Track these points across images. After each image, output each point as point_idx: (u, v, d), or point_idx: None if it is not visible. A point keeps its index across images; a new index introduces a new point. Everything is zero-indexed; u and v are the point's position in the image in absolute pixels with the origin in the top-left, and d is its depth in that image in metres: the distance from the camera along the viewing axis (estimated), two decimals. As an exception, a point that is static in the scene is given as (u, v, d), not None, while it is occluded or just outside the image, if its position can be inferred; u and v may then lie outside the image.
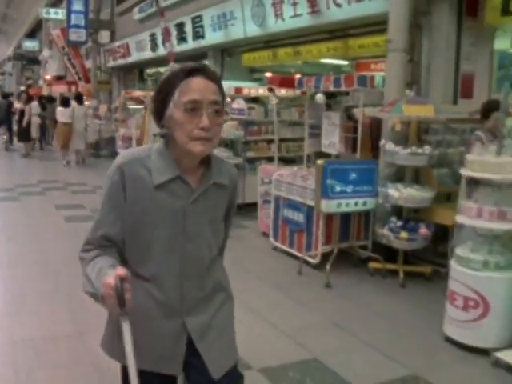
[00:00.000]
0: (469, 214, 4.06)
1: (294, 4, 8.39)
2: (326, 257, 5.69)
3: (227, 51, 12.36)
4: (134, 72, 19.72)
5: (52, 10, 24.21)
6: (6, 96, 17.90)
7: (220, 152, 8.32)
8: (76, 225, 7.30)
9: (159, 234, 1.74)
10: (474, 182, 4.14)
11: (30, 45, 35.43)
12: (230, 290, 1.97)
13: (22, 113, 16.34)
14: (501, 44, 6.46)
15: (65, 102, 14.69)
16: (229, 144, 8.80)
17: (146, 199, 1.73)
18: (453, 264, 4.15)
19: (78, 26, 19.12)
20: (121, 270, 1.59)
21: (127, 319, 1.61)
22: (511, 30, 6.41)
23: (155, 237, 1.74)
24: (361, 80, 5.80)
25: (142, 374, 1.71)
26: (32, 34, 36.65)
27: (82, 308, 4.24)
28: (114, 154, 13.21)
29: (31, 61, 34.67)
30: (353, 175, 5.52)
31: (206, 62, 12.89)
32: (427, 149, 5.25)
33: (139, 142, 11.61)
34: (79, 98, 15.07)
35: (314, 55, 9.65)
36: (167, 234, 1.75)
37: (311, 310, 4.77)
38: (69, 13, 18.99)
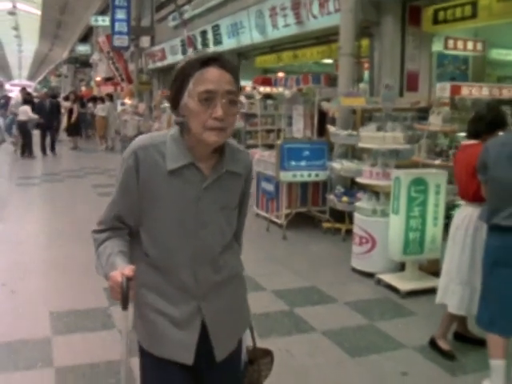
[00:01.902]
0: (365, 175, 5.62)
1: (285, 16, 9.99)
2: (291, 220, 7.27)
3: (243, 55, 14.05)
4: (171, 73, 21.57)
5: (100, 18, 26.40)
6: (55, 97, 19.27)
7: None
8: (107, 198, 9.12)
9: (172, 219, 1.76)
10: (368, 152, 5.68)
11: (82, 49, 37.87)
12: (243, 276, 2.01)
13: (70, 111, 18.55)
14: (437, 46, 7.90)
15: (102, 100, 17.22)
16: (235, 134, 10.49)
17: (159, 184, 1.75)
18: (355, 213, 5.71)
19: (121, 33, 21.07)
20: (128, 270, 1.64)
21: (127, 314, 1.68)
22: (443, 35, 7.82)
23: (168, 222, 1.77)
24: (315, 79, 7.37)
25: (160, 364, 1.83)
26: (84, 38, 39.12)
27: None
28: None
29: (84, 64, 37.28)
30: (306, 152, 7.09)
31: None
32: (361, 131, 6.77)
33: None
34: (111, 97, 18.15)
35: (307, 57, 11.28)
36: (179, 220, 1.76)
37: (264, 251, 6.39)
38: (113, 21, 20.99)
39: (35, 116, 15.42)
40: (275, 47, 12.17)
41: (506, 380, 3.30)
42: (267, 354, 2.16)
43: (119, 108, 19.47)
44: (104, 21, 25.55)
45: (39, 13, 35.14)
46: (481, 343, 3.82)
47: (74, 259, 5.76)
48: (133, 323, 1.87)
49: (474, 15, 6.91)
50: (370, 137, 5.51)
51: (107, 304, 4.51)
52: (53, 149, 16.16)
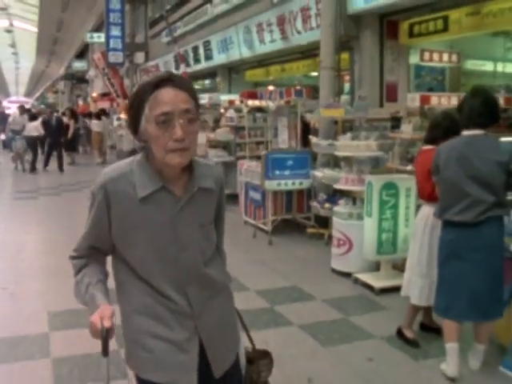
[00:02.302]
0: (342, 182, 6.00)
1: (271, 31, 10.44)
2: (277, 227, 7.63)
3: (233, 69, 14.50)
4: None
5: (95, 35, 26.86)
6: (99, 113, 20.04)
7: (217, 152, 10.45)
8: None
9: (150, 247, 1.75)
10: (344, 159, 6.06)
11: (78, 65, 38.36)
12: (229, 286, 2.01)
13: (67, 127, 18.94)
14: (414, 59, 8.32)
15: (97, 116, 18.12)
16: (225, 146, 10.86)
17: (133, 213, 1.73)
18: (333, 217, 6.07)
19: (115, 49, 21.47)
20: (107, 320, 1.66)
21: (107, 357, 1.73)
22: (419, 48, 8.24)
23: (147, 249, 1.76)
24: (298, 93, 7.77)
25: None
26: (81, 54, 39.62)
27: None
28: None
29: (80, 80, 37.77)
30: (290, 162, 7.46)
31: (214, 79, 15.11)
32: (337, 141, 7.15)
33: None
34: (104, 113, 19.19)
35: (294, 71, 11.72)
36: (158, 247, 1.76)
37: (249, 255, 6.74)
38: (107, 38, 21.40)
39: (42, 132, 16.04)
40: (263, 61, 12.63)
41: (460, 362, 3.66)
42: (266, 355, 2.19)
43: (115, 123, 20.02)
44: (99, 37, 25.99)
45: (36, 30, 35.60)
46: (436, 330, 4.21)
47: (69, 266, 6.08)
48: (125, 357, 1.87)
49: (445, 29, 7.34)
50: (345, 145, 5.90)
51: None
52: (60, 165, 16.09)
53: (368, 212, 5.41)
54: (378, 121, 7.55)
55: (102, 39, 24.65)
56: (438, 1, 7.20)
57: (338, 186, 6.06)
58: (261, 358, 2.15)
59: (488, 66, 9.46)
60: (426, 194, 4.04)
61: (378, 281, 5.42)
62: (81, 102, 32.75)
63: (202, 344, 1.83)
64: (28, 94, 76.95)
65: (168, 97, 1.66)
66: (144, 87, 1.70)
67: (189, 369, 1.80)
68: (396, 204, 5.36)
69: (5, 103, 59.52)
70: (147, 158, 1.76)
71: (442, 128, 4.02)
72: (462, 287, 3.59)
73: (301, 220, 7.87)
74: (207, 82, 17.18)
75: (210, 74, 15.23)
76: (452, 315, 3.67)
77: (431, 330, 4.37)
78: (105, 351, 1.69)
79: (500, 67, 9.50)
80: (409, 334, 4.23)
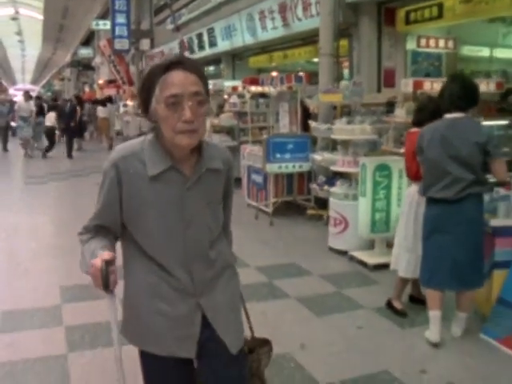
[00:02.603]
0: (338, 164, 6.27)
1: (273, 19, 10.65)
2: (279, 208, 7.92)
3: (237, 56, 14.71)
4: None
5: (101, 22, 26.98)
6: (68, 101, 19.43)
7: (221, 137, 10.71)
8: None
9: (159, 224, 1.80)
10: (341, 143, 6.33)
11: (84, 52, 38.56)
12: (234, 266, 2.05)
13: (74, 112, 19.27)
14: (410, 45, 8.54)
15: (103, 103, 18.85)
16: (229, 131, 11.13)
17: (143, 191, 1.78)
18: (330, 198, 6.35)
19: (121, 37, 21.69)
20: (107, 254, 1.70)
21: (113, 296, 1.76)
22: (416, 34, 8.45)
23: (156, 226, 1.80)
24: (298, 79, 8.01)
25: (160, 361, 1.86)
26: (86, 42, 39.82)
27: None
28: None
29: (86, 67, 38.00)
30: (290, 146, 7.73)
31: (218, 65, 15.34)
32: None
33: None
34: (110, 100, 19.68)
35: (296, 57, 11.93)
36: (167, 223, 1.81)
37: (251, 235, 7.02)
38: (113, 25, 21.61)
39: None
40: (266, 48, 12.85)
41: (443, 329, 3.96)
42: (266, 343, 2.20)
43: (122, 109, 20.35)
44: (105, 25, 26.15)
45: (41, 17, 35.76)
46: (417, 300, 4.51)
47: (78, 244, 6.41)
48: (122, 327, 1.93)
49: (440, 16, 7.55)
50: (341, 129, 6.16)
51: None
52: (69, 152, 16.34)
53: (362, 192, 5.69)
54: (374, 106, 7.78)
55: (108, 26, 24.82)
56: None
57: (334, 168, 6.34)
58: (261, 346, 2.16)
59: (484, 52, 9.64)
60: (412, 174, 4.31)
61: (371, 258, 5.71)
62: (87, 89, 33.02)
63: (206, 320, 1.86)
64: (34, 82, 77.21)
65: (178, 79, 1.70)
66: (155, 69, 1.74)
67: (188, 342, 1.84)
68: (389, 185, 5.63)
69: (11, 91, 59.87)
70: (157, 137, 1.81)
71: (427, 111, 4.28)
72: (443, 258, 3.87)
73: (301, 202, 8.15)
74: (211, 68, 17.38)
75: (215, 60, 15.45)
76: (434, 284, 3.95)
77: (419, 301, 4.64)
78: (106, 286, 1.70)
79: (496, 53, 9.68)
80: (397, 304, 4.52)
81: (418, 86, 6.15)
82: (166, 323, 1.83)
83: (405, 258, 4.41)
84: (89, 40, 39.03)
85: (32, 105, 17.47)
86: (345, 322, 4.39)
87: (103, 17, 29.06)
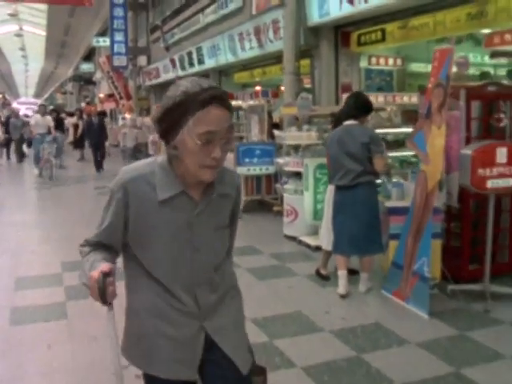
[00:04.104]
0: (290, 165, 7.59)
1: (250, 40, 12.03)
2: (249, 206, 9.20)
3: (223, 72, 16.11)
4: (166, 89, 23.69)
5: (101, 39, 28.53)
6: (100, 114, 18.63)
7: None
8: (105, 197, 11.16)
9: (166, 248, 1.79)
10: (293, 147, 7.65)
11: (86, 67, 40.01)
12: (237, 286, 2.05)
13: (76, 126, 20.64)
14: (363, 63, 9.89)
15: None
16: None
17: (151, 215, 1.77)
18: (284, 193, 7.66)
19: (119, 54, 23.12)
20: (105, 265, 1.69)
21: (112, 310, 1.75)
22: (368, 54, 9.81)
23: (162, 250, 1.79)
24: (264, 93, 9.35)
25: (159, 381, 1.86)
26: (88, 57, 41.28)
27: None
28: (147, 156, 17.12)
29: (87, 81, 39.57)
30: (257, 151, 9.05)
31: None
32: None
33: (155, 142, 15.51)
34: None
35: (272, 74, 13.31)
36: (174, 248, 1.79)
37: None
38: (112, 43, 23.09)
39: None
40: (247, 66, 14.24)
41: (352, 287, 5.25)
42: (262, 371, 2.12)
43: (120, 122, 21.72)
44: (105, 41, 27.62)
45: (44, 34, 37.17)
46: (354, 272, 5.74)
47: (78, 235, 7.75)
48: (123, 347, 1.93)
49: (383, 39, 8.89)
50: (291, 136, 7.49)
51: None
52: (101, 165, 15.90)
53: (306, 187, 7.00)
54: (319, 117, 8.95)
55: (108, 43, 26.26)
56: (378, 16, 8.74)
57: (286, 168, 7.65)
58: (256, 374, 2.07)
59: (429, 68, 10.93)
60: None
61: (314, 241, 6.96)
62: (83, 104, 34.32)
63: (214, 343, 1.87)
64: (37, 95, 78.88)
65: (216, 117, 1.65)
66: (192, 99, 1.64)
67: (190, 364, 1.85)
68: (327, 180, 6.92)
69: (14, 104, 61.27)
70: (170, 162, 1.78)
71: (337, 120, 5.56)
72: (344, 232, 5.18)
73: (269, 200, 9.45)
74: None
75: (203, 76, 16.89)
76: (339, 251, 5.27)
77: (351, 272, 5.90)
78: (103, 298, 1.68)
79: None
80: (323, 271, 5.80)
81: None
82: (169, 345, 1.84)
83: (326, 236, 5.68)
84: (90, 55, 40.43)
85: (49, 120, 16.04)
86: (279, 283, 5.68)
87: (103, 34, 30.49)
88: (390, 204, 5.46)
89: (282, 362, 3.89)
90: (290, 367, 3.84)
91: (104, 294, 1.67)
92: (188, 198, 1.79)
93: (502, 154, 4.86)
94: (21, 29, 39.76)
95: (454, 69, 5.82)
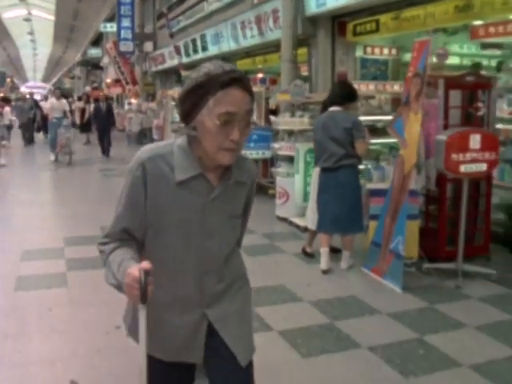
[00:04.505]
0: (283, 149, 7.94)
1: (251, 28, 12.34)
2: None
3: (226, 59, 16.35)
4: (172, 75, 24.01)
5: (108, 25, 28.74)
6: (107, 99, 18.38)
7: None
8: (109, 178, 11.61)
9: (178, 230, 1.78)
10: (287, 133, 8.00)
11: (94, 52, 40.40)
12: (246, 275, 2.05)
13: (83, 110, 21.01)
14: (359, 52, 10.19)
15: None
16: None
17: (167, 195, 1.75)
18: (277, 176, 8.02)
19: (126, 39, 23.46)
20: (146, 264, 1.62)
21: (145, 308, 1.67)
22: (363, 44, 10.10)
23: (174, 232, 1.78)
24: (262, 80, 9.68)
25: (162, 364, 1.88)
26: (96, 42, 41.61)
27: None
28: (152, 141, 17.47)
29: (95, 66, 39.90)
30: (254, 137, 9.39)
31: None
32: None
33: (159, 127, 15.86)
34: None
35: (273, 61, 13.59)
36: (186, 231, 1.78)
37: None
38: (119, 28, 23.41)
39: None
40: (249, 53, 14.53)
41: (335, 264, 5.62)
42: None
43: (126, 107, 22.06)
44: (112, 27, 27.83)
45: (53, 18, 37.46)
46: (337, 251, 6.11)
47: (81, 213, 8.24)
48: (130, 328, 1.95)
49: (377, 29, 9.18)
50: (285, 122, 7.83)
51: (100, 232, 6.88)
52: (108, 152, 15.91)
53: (297, 170, 7.36)
54: (314, 104, 9.25)
55: (115, 29, 26.59)
56: (373, 7, 9.03)
57: (280, 152, 8.01)
58: None
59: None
60: (315, 153, 5.98)
61: (304, 222, 7.29)
62: (87, 88, 34.58)
63: (213, 329, 1.87)
64: (45, 80, 79.29)
65: (236, 98, 1.66)
66: (213, 80, 1.66)
67: (193, 350, 1.88)
68: (317, 164, 7.28)
69: (22, 88, 61.67)
70: (189, 143, 1.77)
71: (324, 106, 5.89)
72: (326, 212, 5.54)
73: (265, 183, 9.80)
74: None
75: (207, 63, 17.22)
76: (322, 230, 5.63)
77: (331, 250, 6.28)
78: (144, 297, 1.62)
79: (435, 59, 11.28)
80: (308, 249, 6.16)
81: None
82: (172, 331, 1.86)
83: (311, 216, 6.04)
84: (98, 40, 40.67)
85: (65, 103, 15.76)
86: (267, 260, 6.07)
87: (111, 19, 30.75)
88: (371, 186, 5.81)
89: (260, 326, 4.26)
90: (267, 330, 4.22)
91: (145, 294, 1.61)
92: (205, 181, 1.78)
93: (475, 140, 5.18)
94: (29, 13, 40.01)
95: (434, 59, 6.14)
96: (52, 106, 15.48)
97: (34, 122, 20.38)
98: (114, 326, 4.10)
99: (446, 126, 5.66)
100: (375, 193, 5.80)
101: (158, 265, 1.74)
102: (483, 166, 5.25)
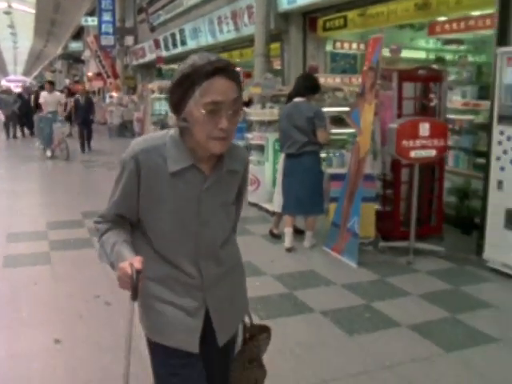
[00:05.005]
0: (254, 139, 8.41)
1: (227, 24, 12.78)
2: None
3: (204, 53, 16.81)
4: (152, 69, 24.32)
5: (90, 19, 28.84)
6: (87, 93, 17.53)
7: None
8: (90, 169, 12.01)
9: (174, 219, 1.82)
10: (258, 123, 8.47)
11: (75, 46, 40.28)
12: (242, 263, 2.10)
13: (65, 104, 21.21)
14: (329, 47, 10.69)
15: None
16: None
17: (161, 186, 1.79)
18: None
19: (107, 33, 23.66)
20: (137, 262, 1.69)
21: (134, 302, 1.77)
22: (333, 39, 10.60)
23: (170, 222, 1.82)
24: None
25: (168, 351, 1.91)
26: (77, 36, 41.49)
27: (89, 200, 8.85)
28: (133, 135, 17.80)
29: (76, 60, 39.89)
30: (229, 128, 9.84)
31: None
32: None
33: (139, 120, 16.24)
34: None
35: (248, 56, 14.05)
36: (181, 219, 1.82)
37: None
38: (100, 23, 23.64)
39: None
40: (225, 47, 14.97)
41: (299, 244, 6.11)
42: (265, 329, 2.21)
43: (108, 100, 22.36)
44: (93, 21, 27.85)
45: (34, 11, 37.34)
46: (301, 232, 6.59)
47: (63, 200, 8.69)
48: (140, 317, 1.96)
49: (345, 25, 9.68)
50: (256, 113, 8.32)
51: (81, 217, 7.34)
52: (88, 146, 15.61)
53: (266, 158, 7.84)
54: (284, 96, 9.64)
55: (96, 23, 26.77)
56: (340, 4, 9.52)
57: (252, 142, 8.48)
58: (260, 333, 2.18)
59: (389, 53, 11.72)
60: (279, 140, 6.47)
61: (273, 207, 7.78)
62: (67, 80, 34.51)
63: (208, 314, 1.92)
64: (26, 73, 78.78)
65: (222, 87, 1.68)
66: (198, 71, 1.69)
67: (193, 334, 1.90)
68: (286, 153, 7.75)
69: (3, 82, 61.24)
70: (181, 135, 1.80)
71: (289, 96, 6.37)
72: (290, 194, 6.04)
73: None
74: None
75: (186, 57, 17.57)
76: (287, 211, 6.13)
77: (294, 231, 6.78)
78: (134, 295, 1.71)
79: (404, 53, 11.76)
80: (275, 230, 6.64)
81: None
82: (173, 312, 1.89)
83: (277, 199, 6.53)
84: (79, 34, 40.48)
85: (59, 96, 15.28)
86: (238, 242, 6.52)
87: (92, 14, 30.85)
88: (330, 171, 6.32)
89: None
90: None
91: (136, 291, 1.70)
92: (198, 171, 1.82)
93: (424, 128, 5.70)
94: (9, 6, 39.77)
95: (388, 54, 6.66)
96: (45, 100, 14.75)
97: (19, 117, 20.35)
98: (94, 295, 4.57)
99: (399, 116, 6.17)
100: (335, 177, 6.30)
101: (157, 250, 1.87)
102: (432, 152, 5.76)
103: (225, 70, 1.70)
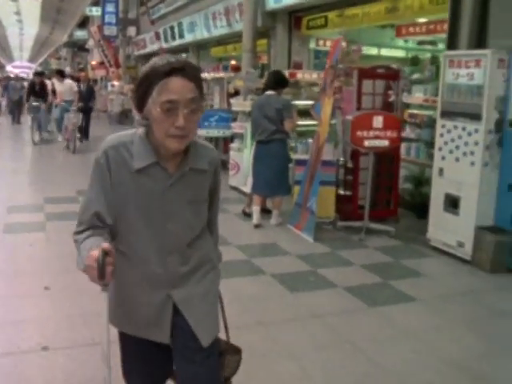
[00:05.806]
0: (235, 128, 9.18)
1: (221, 19, 13.52)
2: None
3: (200, 46, 17.57)
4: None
5: (94, 8, 29.53)
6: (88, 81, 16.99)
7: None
8: (87, 154, 12.77)
9: (141, 214, 1.89)
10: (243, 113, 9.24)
11: (80, 34, 40.75)
12: (215, 261, 2.12)
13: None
14: (312, 44, 11.43)
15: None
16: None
17: (128, 181, 1.86)
18: (230, 151, 9.27)
19: (110, 24, 24.33)
20: (106, 244, 1.71)
21: (107, 290, 1.76)
22: (316, 37, 11.35)
23: (136, 216, 1.89)
24: (225, 67, 10.88)
25: (138, 340, 2.01)
26: (82, 24, 42.00)
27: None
28: (132, 122, 18.52)
29: (81, 48, 40.45)
30: (216, 117, 10.60)
31: (187, 54, 18.18)
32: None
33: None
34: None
35: (241, 50, 14.76)
36: (148, 216, 1.89)
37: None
38: (103, 13, 24.31)
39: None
40: (220, 41, 15.72)
41: (265, 222, 6.89)
42: (237, 352, 2.21)
43: (109, 89, 23.08)
44: (97, 11, 28.44)
45: (40, -1, 37.89)
46: (269, 212, 7.33)
47: (59, 179, 9.55)
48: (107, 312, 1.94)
49: (326, 25, 10.42)
50: (238, 104, 9.10)
51: (75, 194, 8.13)
52: (86, 134, 15.13)
53: (245, 145, 8.61)
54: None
55: (100, 13, 27.45)
56: (322, 5, 10.25)
57: (234, 130, 9.26)
58: (231, 353, 2.18)
59: (372, 51, 12.40)
60: (251, 129, 7.24)
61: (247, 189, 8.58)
62: (68, 69, 35.03)
63: (178, 311, 1.96)
64: (32, 60, 79.32)
65: (176, 86, 1.73)
66: (155, 71, 1.75)
67: (159, 329, 1.97)
68: (263, 141, 8.52)
69: (9, 68, 61.84)
70: (147, 133, 1.87)
71: (262, 89, 7.14)
72: (259, 177, 6.82)
73: (225, 159, 11.02)
74: (184, 55, 20.20)
75: (184, 49, 18.33)
76: (256, 191, 6.92)
77: (264, 211, 7.55)
78: (101, 274, 1.64)
79: (383, 52, 12.50)
80: (247, 210, 7.42)
81: (292, 75, 9.04)
82: (139, 308, 1.96)
83: (250, 181, 7.31)
84: (84, 23, 41.03)
85: (71, 84, 14.34)
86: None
87: (96, 3, 31.50)
88: (295, 157, 7.10)
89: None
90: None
91: (103, 273, 1.64)
92: (162, 169, 1.87)
93: (378, 120, 6.45)
94: (16, -7, 40.35)
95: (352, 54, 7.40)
96: (57, 89, 14.21)
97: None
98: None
99: (359, 109, 6.93)
100: (299, 162, 7.10)
101: (127, 246, 1.94)
102: (385, 142, 6.52)
103: (181, 69, 1.75)
